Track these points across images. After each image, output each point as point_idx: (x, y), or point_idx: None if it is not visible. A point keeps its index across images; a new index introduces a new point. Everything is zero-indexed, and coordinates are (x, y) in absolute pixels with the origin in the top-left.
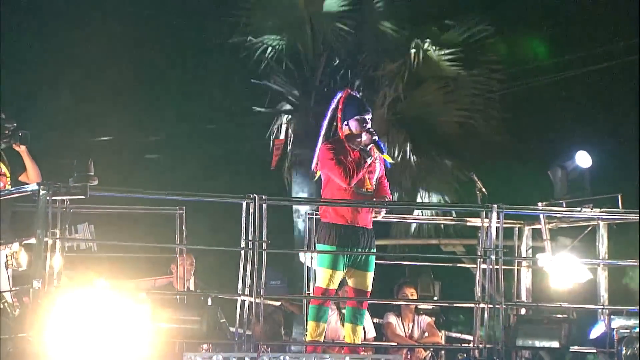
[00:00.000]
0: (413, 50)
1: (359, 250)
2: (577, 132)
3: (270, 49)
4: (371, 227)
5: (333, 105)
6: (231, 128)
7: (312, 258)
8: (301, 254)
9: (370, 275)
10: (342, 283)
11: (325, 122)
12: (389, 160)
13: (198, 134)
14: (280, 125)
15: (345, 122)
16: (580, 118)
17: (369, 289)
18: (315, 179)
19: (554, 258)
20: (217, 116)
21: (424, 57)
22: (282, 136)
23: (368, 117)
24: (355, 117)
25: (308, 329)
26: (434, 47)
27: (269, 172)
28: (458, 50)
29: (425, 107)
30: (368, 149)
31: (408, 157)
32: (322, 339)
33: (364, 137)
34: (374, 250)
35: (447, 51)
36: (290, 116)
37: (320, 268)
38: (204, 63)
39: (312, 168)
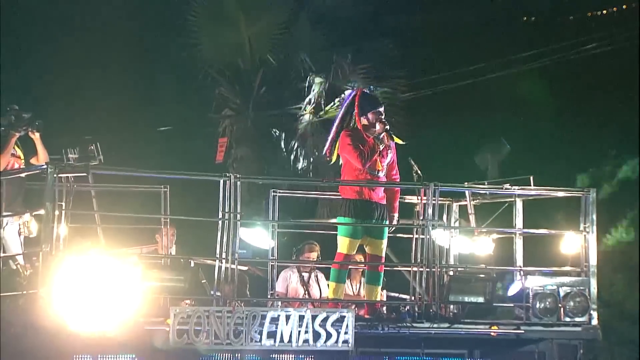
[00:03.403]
0: (334, 66)
1: (373, 221)
2: (494, 126)
3: (215, 64)
4: (384, 202)
5: (348, 102)
6: (185, 129)
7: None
8: (242, 232)
9: (384, 243)
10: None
11: (339, 116)
12: (399, 142)
13: (157, 134)
14: (225, 127)
15: (363, 115)
16: (494, 116)
17: (383, 254)
18: (332, 162)
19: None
20: (173, 119)
21: (341, 73)
22: (225, 136)
23: (382, 109)
24: (373, 111)
25: (329, 288)
26: (350, 63)
27: (216, 166)
28: (369, 67)
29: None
30: (381, 136)
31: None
32: (342, 297)
33: (378, 126)
34: (387, 222)
35: (361, 66)
36: (232, 120)
37: (341, 237)
38: (164, 75)
39: (325, 152)
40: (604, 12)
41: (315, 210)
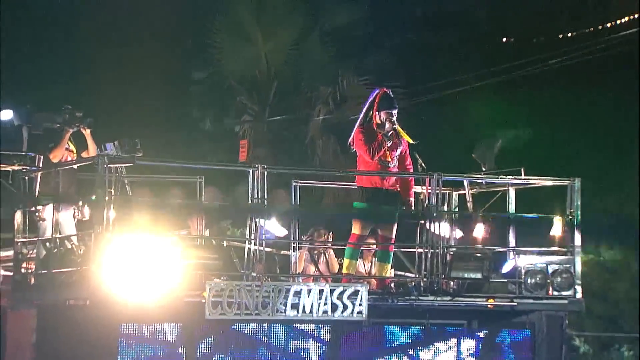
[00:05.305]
0: (340, 77)
1: (385, 207)
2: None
3: (236, 76)
4: (395, 190)
5: (371, 99)
6: (208, 133)
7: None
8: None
9: (394, 225)
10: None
11: (363, 110)
12: (409, 140)
13: (184, 138)
14: (245, 131)
15: (378, 113)
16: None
17: (393, 235)
18: (352, 151)
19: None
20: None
21: (347, 82)
22: (246, 139)
23: (394, 112)
24: (385, 111)
25: (344, 264)
26: (354, 75)
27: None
28: (371, 77)
29: (349, 117)
30: (389, 134)
31: (337, 154)
32: (355, 272)
33: (387, 125)
34: (398, 207)
35: (363, 77)
36: (250, 125)
37: (356, 220)
38: (190, 85)
39: (349, 142)
40: (574, 33)
41: (322, 200)
